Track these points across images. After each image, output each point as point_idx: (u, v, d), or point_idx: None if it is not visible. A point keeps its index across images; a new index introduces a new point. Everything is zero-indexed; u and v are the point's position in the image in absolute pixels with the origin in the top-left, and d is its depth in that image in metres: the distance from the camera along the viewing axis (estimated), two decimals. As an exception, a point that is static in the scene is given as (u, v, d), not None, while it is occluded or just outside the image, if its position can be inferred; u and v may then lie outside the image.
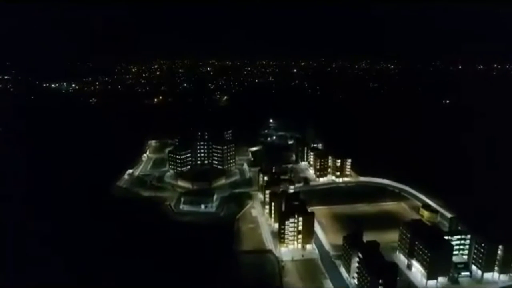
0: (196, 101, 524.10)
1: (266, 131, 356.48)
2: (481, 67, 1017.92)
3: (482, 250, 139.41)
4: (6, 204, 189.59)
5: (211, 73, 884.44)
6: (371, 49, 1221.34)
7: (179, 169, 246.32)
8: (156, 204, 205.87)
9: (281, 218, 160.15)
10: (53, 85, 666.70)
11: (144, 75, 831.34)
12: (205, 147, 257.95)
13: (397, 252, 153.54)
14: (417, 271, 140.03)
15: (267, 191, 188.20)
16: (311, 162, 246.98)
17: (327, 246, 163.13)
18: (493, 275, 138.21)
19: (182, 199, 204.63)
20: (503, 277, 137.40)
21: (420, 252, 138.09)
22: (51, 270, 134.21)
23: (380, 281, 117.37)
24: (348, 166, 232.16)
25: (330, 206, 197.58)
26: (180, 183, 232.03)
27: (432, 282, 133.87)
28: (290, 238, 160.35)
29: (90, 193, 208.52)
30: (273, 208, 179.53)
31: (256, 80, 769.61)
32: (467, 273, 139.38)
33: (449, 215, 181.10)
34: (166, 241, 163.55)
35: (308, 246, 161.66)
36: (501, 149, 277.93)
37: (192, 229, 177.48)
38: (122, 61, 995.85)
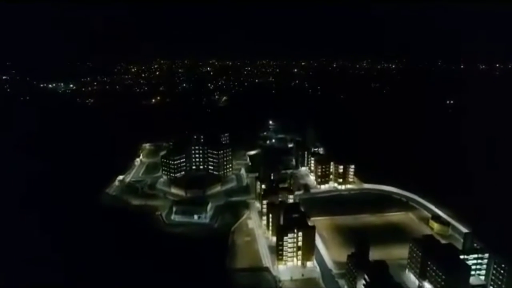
0: (194, 102, 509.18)
1: (265, 133, 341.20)
2: (483, 66, 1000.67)
3: (502, 271, 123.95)
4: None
5: (211, 73, 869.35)
6: (372, 49, 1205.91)
7: (173, 175, 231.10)
8: (146, 214, 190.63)
9: (279, 233, 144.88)
10: (50, 86, 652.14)
11: (143, 75, 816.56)
12: (200, 151, 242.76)
13: (407, 272, 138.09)
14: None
15: (265, 202, 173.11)
16: (312, 168, 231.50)
17: (329, 263, 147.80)
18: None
19: (174, 209, 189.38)
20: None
21: (433, 274, 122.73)
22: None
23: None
24: (351, 173, 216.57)
25: (332, 217, 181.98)
26: (173, 190, 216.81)
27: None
28: (289, 254, 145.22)
29: (75, 202, 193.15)
30: (271, 220, 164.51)
31: (256, 80, 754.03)
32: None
33: (461, 228, 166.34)
34: (153, 256, 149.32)
35: (309, 263, 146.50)
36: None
37: (183, 242, 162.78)
38: (122, 61, 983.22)
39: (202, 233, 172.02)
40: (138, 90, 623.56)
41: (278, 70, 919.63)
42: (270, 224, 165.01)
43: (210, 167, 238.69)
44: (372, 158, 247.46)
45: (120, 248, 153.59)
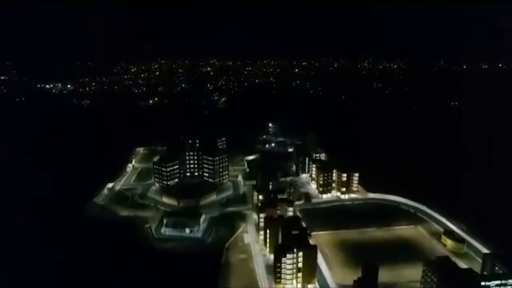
0: (193, 103, 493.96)
1: (264, 136, 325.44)
2: (486, 66, 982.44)
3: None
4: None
5: (211, 73, 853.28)
6: (372, 48, 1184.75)
7: (165, 182, 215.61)
8: (134, 226, 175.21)
9: (277, 253, 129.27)
10: (47, 86, 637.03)
11: (142, 75, 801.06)
12: (195, 157, 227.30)
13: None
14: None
15: (262, 215, 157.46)
16: (313, 176, 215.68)
17: (332, 286, 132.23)
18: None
19: (165, 221, 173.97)
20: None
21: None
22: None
23: None
24: (355, 181, 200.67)
25: (335, 231, 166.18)
26: (165, 199, 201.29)
27: None
28: (288, 276, 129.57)
29: (58, 214, 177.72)
30: (268, 235, 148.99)
31: (257, 81, 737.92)
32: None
33: (477, 245, 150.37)
34: (138, 277, 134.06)
35: (310, 286, 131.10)
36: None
37: (172, 260, 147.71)
38: (122, 61, 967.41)
39: (193, 249, 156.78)
40: (136, 90, 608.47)
41: (278, 70, 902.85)
42: (268, 239, 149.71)
43: (205, 174, 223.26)
44: (376, 164, 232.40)
45: (101, 267, 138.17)
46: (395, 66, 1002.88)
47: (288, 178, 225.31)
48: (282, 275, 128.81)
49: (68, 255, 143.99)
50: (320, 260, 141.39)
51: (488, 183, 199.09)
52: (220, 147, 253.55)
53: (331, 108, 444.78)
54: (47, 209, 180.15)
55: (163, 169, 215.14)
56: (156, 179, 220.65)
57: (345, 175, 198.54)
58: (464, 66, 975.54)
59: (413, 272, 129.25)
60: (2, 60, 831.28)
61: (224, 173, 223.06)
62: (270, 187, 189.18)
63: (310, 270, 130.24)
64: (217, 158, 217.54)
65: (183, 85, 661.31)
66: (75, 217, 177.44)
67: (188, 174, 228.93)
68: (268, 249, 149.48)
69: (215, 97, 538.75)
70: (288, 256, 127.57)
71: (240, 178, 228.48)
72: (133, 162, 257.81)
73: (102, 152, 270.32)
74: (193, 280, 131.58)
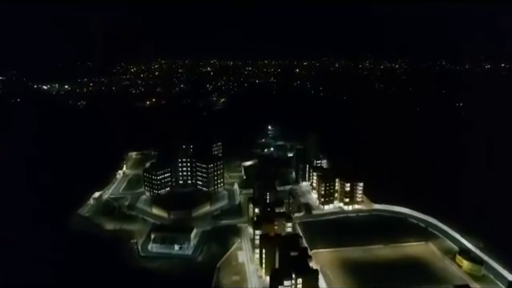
0: (191, 104, 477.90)
1: (263, 140, 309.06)
2: (488, 66, 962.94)
3: None
4: None
5: (211, 73, 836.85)
6: (373, 48, 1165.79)
7: (156, 191, 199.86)
8: (119, 242, 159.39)
9: (273, 280, 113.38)
10: (44, 87, 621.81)
11: (142, 76, 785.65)
12: (188, 164, 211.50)
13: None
14: None
15: (258, 232, 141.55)
16: (314, 185, 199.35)
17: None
18: None
19: (152, 236, 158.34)
20: None
21: None
22: None
23: None
24: (360, 191, 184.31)
25: (338, 248, 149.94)
26: (155, 211, 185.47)
27: None
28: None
29: (38, 227, 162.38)
30: (264, 255, 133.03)
31: (257, 81, 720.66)
32: None
33: (497, 267, 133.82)
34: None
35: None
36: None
37: (157, 281, 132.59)
38: (122, 61, 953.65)
39: (182, 268, 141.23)
40: (134, 91, 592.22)
41: (279, 70, 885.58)
42: (264, 259, 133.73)
43: (198, 182, 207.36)
44: (381, 172, 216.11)
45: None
46: (397, 66, 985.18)
47: (288, 187, 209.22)
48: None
49: (40, 277, 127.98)
50: (322, 282, 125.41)
51: (508, 193, 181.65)
52: (215, 152, 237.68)
53: (332, 109, 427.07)
54: (24, 222, 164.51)
55: (153, 177, 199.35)
56: (146, 188, 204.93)
57: (348, 185, 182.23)
58: (467, 66, 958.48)
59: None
60: (0, 60, 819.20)
61: (219, 181, 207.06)
62: (268, 199, 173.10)
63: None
64: (212, 165, 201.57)
65: (182, 86, 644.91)
66: (55, 232, 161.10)
67: (181, 182, 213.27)
68: (264, 270, 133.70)
69: (214, 98, 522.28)
70: (286, 283, 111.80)
71: (236, 186, 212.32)
72: (124, 168, 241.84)
73: (92, 157, 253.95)
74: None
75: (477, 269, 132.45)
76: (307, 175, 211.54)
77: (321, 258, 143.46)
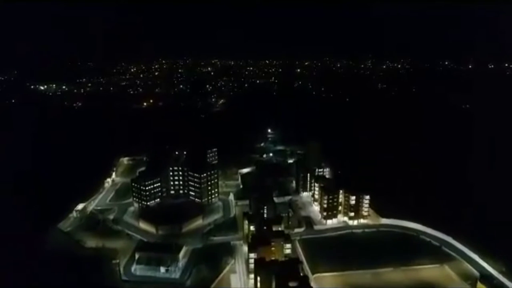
0: (189, 105, 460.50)
1: (262, 144, 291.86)
2: (492, 66, 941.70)
3: None
4: None
5: (212, 73, 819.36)
6: (374, 48, 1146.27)
7: (145, 203, 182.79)
8: (100, 262, 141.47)
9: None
10: (41, 87, 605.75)
11: (141, 76, 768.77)
12: (180, 173, 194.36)
13: None
14: None
15: (252, 256, 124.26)
16: (316, 196, 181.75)
17: None
18: None
19: (136, 256, 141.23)
20: None
21: None
22: None
23: None
24: (366, 204, 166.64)
25: (343, 273, 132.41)
26: (142, 225, 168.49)
27: None
28: None
29: (10, 245, 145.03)
30: (259, 283, 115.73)
31: (258, 81, 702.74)
32: None
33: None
34: None
35: None
36: None
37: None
38: (123, 60, 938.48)
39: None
40: (132, 92, 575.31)
41: (280, 70, 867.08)
42: (259, 287, 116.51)
43: (191, 192, 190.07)
44: (389, 181, 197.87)
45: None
46: (399, 66, 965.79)
47: (287, 198, 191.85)
48: None
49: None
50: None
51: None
52: (210, 159, 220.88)
53: (335, 111, 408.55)
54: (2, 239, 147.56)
55: (141, 187, 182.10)
56: (134, 199, 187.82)
57: (353, 197, 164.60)
58: (470, 66, 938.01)
59: None
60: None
61: (213, 191, 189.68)
62: (265, 214, 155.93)
63: None
64: (205, 175, 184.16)
65: (181, 86, 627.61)
66: (29, 251, 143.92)
67: (172, 192, 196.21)
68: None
69: (213, 99, 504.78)
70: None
71: (231, 197, 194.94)
72: (113, 176, 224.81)
73: (80, 163, 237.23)
74: None
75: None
76: (308, 185, 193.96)
77: (324, 283, 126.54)
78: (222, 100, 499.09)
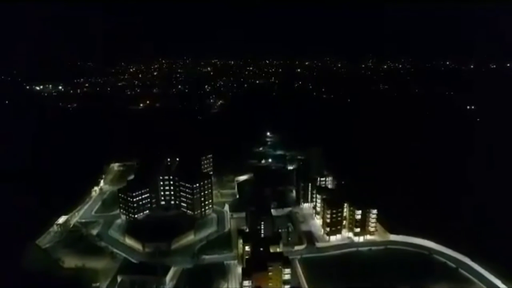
0: (186, 107, 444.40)
1: (261, 148, 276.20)
2: (494, 66, 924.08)
3: None
4: None
5: (211, 73, 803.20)
6: (375, 48, 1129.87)
7: (132, 216, 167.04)
8: (78, 286, 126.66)
9: None
10: (37, 87, 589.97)
11: (140, 76, 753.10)
12: (171, 183, 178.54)
13: None
14: None
15: (247, 283, 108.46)
16: (318, 209, 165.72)
17: None
18: None
19: (118, 280, 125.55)
20: None
21: None
22: None
23: None
24: (373, 219, 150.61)
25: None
26: (128, 241, 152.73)
27: None
28: None
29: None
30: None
31: (257, 81, 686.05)
32: None
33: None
34: None
35: None
36: None
37: None
38: (123, 60, 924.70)
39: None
40: (129, 92, 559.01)
41: (280, 70, 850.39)
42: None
43: (183, 204, 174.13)
44: (397, 192, 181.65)
45: None
46: (400, 66, 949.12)
47: (287, 210, 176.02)
48: None
49: None
50: None
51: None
52: (205, 166, 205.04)
53: (336, 113, 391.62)
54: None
55: (129, 198, 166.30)
56: (121, 211, 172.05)
57: (359, 212, 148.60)
58: (472, 66, 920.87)
59: None
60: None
61: (206, 202, 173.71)
62: (262, 230, 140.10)
63: None
64: (197, 185, 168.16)
65: (180, 87, 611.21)
66: (3, 272, 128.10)
67: (163, 202, 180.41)
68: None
69: (212, 100, 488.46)
70: None
71: (227, 208, 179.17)
72: (102, 184, 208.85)
73: (68, 169, 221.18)
74: None
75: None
76: (309, 196, 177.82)
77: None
78: (220, 101, 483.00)
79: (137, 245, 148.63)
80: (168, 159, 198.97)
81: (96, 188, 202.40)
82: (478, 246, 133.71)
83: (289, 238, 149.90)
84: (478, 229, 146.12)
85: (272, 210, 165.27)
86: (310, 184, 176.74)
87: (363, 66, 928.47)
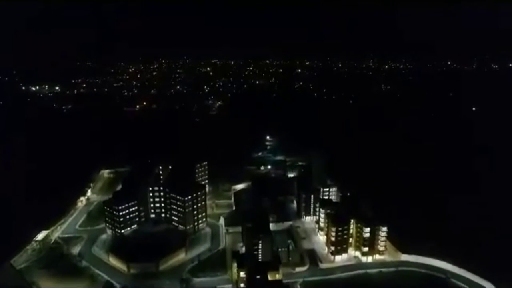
0: (183, 108, 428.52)
1: (260, 153, 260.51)
2: (496, 66, 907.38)
3: None
4: None
5: (211, 73, 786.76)
6: (375, 47, 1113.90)
7: (118, 231, 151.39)
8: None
9: None
10: (33, 88, 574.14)
11: (138, 76, 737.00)
12: (161, 195, 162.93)
13: None
14: None
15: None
16: (321, 224, 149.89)
17: None
18: None
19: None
20: None
21: None
22: None
23: None
24: (383, 238, 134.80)
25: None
26: (112, 260, 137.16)
27: None
28: None
29: None
30: None
31: (257, 82, 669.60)
32: None
33: None
34: None
35: None
36: None
37: None
38: (122, 60, 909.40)
39: None
40: (126, 93, 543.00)
41: (281, 70, 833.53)
42: None
43: (174, 218, 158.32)
44: (408, 204, 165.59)
45: None
46: (401, 66, 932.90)
47: (287, 223, 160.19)
48: None
49: None
50: None
51: None
52: (199, 174, 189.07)
53: (338, 115, 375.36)
54: None
55: (114, 212, 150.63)
56: (107, 225, 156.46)
57: (368, 229, 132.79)
58: (474, 66, 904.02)
59: None
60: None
61: (200, 216, 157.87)
62: (259, 250, 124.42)
63: None
64: (189, 197, 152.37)
65: (178, 87, 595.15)
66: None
67: (153, 216, 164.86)
68: None
69: (210, 102, 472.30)
70: None
71: (222, 221, 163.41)
72: (89, 193, 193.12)
73: (54, 176, 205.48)
74: None
75: None
76: (311, 208, 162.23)
77: None
78: (219, 103, 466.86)
79: (121, 266, 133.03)
80: (160, 167, 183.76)
81: (83, 198, 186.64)
82: (501, 270, 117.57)
83: (290, 258, 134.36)
84: (502, 250, 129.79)
85: (271, 224, 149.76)
86: (312, 196, 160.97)
87: (364, 66, 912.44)
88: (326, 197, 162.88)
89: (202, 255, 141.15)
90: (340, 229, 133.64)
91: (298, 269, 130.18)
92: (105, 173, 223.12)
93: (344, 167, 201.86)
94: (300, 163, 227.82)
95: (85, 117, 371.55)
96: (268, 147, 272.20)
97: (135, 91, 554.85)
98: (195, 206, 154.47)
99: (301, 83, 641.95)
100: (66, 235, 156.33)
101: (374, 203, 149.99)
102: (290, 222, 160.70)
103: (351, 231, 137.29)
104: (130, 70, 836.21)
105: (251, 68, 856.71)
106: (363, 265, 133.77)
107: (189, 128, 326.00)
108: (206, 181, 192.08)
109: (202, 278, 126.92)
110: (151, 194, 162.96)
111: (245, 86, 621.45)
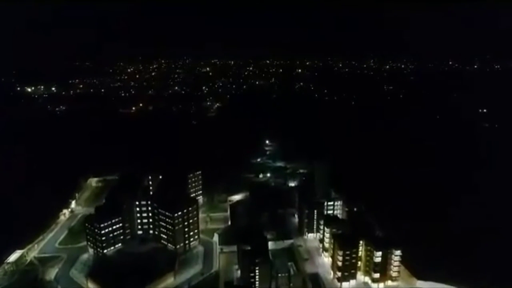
0: (181, 110, 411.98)
1: (258, 159, 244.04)
2: (498, 66, 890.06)
3: None
4: None
5: (210, 73, 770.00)
6: (375, 47, 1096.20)
7: (100, 251, 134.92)
8: None
9: None
10: (28, 89, 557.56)
11: (137, 76, 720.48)
12: (149, 209, 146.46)
13: None
14: None
15: None
16: (326, 244, 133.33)
17: None
18: None
19: None
20: None
21: None
22: None
23: None
24: (396, 262, 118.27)
25: None
26: (91, 286, 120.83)
27: None
28: None
29: None
30: None
31: (257, 82, 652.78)
32: None
33: None
34: None
35: None
36: None
37: None
38: (121, 60, 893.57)
39: None
40: (123, 94, 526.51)
41: (281, 70, 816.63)
42: None
43: (162, 235, 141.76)
44: (426, 226, 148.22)
45: None
46: (403, 66, 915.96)
47: (288, 242, 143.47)
48: None
49: None
50: None
51: None
52: (193, 185, 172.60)
53: (340, 117, 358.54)
54: None
55: (96, 230, 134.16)
56: (89, 243, 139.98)
57: (379, 253, 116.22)
58: (476, 66, 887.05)
59: None
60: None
61: (191, 233, 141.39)
62: (256, 278, 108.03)
63: None
64: (179, 214, 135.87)
65: (176, 88, 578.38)
66: None
67: (140, 232, 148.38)
68: None
69: (208, 103, 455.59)
70: None
71: (216, 238, 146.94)
72: (73, 205, 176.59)
73: (35, 185, 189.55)
74: None
75: None
76: (314, 224, 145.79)
77: None
78: (217, 104, 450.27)
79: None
80: (150, 177, 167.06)
81: (66, 211, 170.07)
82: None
83: (291, 285, 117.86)
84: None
85: (270, 243, 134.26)
86: (315, 211, 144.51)
87: (364, 66, 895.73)
88: (331, 212, 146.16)
89: (193, 279, 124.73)
90: (348, 252, 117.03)
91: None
92: (93, 181, 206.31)
93: (348, 175, 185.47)
94: (301, 171, 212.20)
95: (78, 119, 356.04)
96: (268, 152, 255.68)
97: (132, 92, 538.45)
98: (185, 223, 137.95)
99: (301, 84, 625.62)
100: (43, 255, 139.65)
101: (383, 220, 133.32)
102: (291, 241, 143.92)
103: (360, 253, 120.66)
104: (129, 70, 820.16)
105: (251, 68, 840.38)
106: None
107: (185, 131, 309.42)
108: (200, 191, 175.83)
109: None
110: (138, 209, 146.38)
111: (244, 86, 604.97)
